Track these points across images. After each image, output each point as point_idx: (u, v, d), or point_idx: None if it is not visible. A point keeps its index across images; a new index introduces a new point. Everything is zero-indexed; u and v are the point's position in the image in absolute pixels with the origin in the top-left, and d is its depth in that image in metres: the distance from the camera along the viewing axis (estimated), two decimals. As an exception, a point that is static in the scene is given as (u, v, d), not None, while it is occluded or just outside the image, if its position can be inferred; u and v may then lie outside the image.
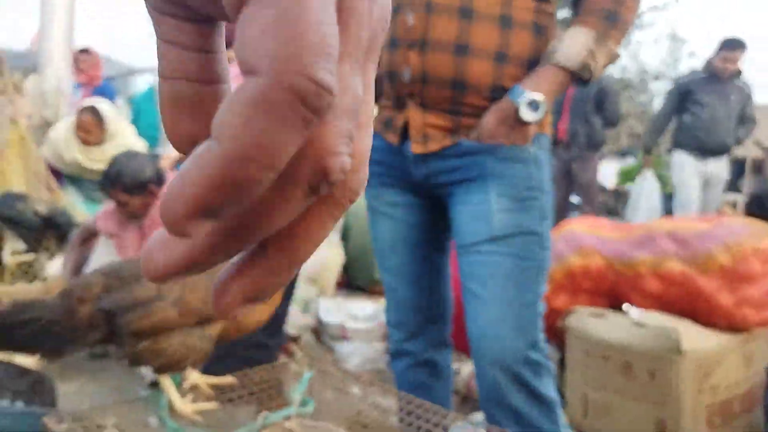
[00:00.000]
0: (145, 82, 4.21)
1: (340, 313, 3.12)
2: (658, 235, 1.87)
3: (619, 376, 1.73)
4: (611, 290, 1.98)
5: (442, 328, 1.40)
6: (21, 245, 2.63)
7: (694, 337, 1.64)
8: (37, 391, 1.53)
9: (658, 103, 11.44)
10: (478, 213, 1.18)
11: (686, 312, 1.78)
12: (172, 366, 0.89)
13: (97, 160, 3.30)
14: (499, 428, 1.11)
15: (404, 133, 1.24)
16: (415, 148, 1.21)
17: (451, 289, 1.41)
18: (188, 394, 1.02)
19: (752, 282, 1.66)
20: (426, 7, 1.15)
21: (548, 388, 1.19)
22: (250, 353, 1.49)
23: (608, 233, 2.06)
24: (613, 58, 1.15)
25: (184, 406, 0.95)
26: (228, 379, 1.07)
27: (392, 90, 1.26)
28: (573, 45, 1.11)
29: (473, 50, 1.14)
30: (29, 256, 2.59)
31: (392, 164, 1.29)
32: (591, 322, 1.86)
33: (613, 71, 10.25)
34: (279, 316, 1.66)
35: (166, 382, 0.95)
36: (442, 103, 1.19)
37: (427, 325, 1.38)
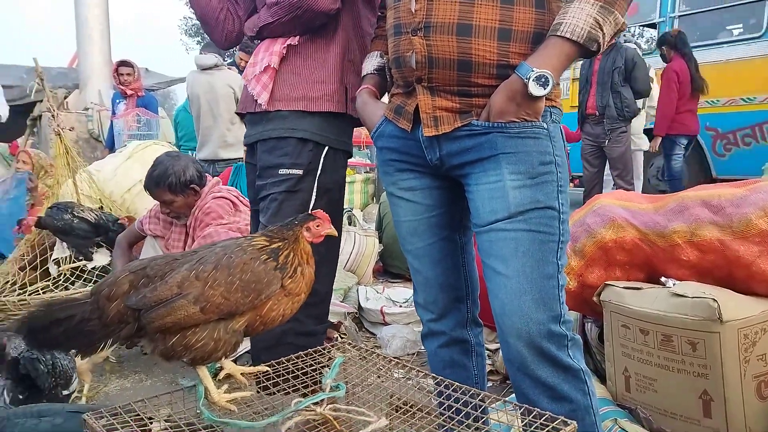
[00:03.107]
0: (184, 92, 4.35)
1: (378, 299, 3.17)
2: (692, 204, 1.82)
3: (660, 348, 1.70)
4: (646, 262, 1.94)
5: (470, 306, 1.42)
6: (63, 253, 2.77)
7: (735, 306, 1.59)
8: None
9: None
10: (493, 192, 1.18)
11: (725, 280, 1.73)
12: (204, 358, 0.94)
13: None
14: (531, 405, 1.12)
15: (416, 118, 1.26)
16: (426, 131, 1.23)
17: (476, 269, 1.42)
18: (225, 384, 1.07)
19: (792, 245, 1.60)
20: None
21: (575, 359, 1.19)
22: (300, 341, 1.53)
23: (640, 205, 2.01)
24: (620, 27, 1.13)
25: (219, 396, 1.00)
26: (262, 368, 1.12)
27: (400, 76, 1.28)
28: (578, 17, 1.09)
29: (476, 30, 1.15)
30: (79, 263, 2.73)
31: (407, 150, 1.31)
32: (627, 295, 1.83)
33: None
34: (324, 304, 1.71)
35: (202, 372, 1.00)
36: (449, 85, 1.20)
37: (454, 304, 1.40)
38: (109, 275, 0.97)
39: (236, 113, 1.70)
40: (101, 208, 3.08)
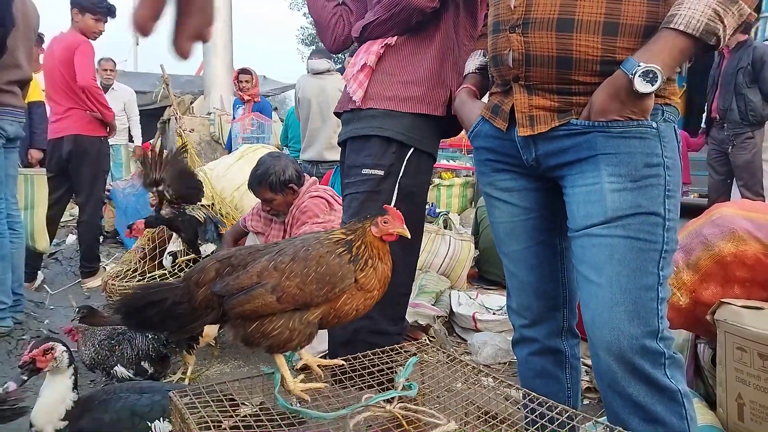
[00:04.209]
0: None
1: (471, 305, 3.11)
2: (830, 215, 1.60)
3: (782, 376, 1.51)
4: (772, 280, 1.74)
5: (566, 315, 1.35)
6: (178, 247, 3.00)
7: None
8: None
9: None
10: (589, 195, 1.11)
11: None
12: (279, 346, 0.97)
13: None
14: (621, 425, 1.03)
15: (512, 117, 1.22)
16: (521, 131, 1.18)
17: None
18: (301, 374, 1.10)
19: None
20: None
21: (673, 379, 1.08)
22: (373, 339, 1.55)
23: (766, 216, 1.80)
24: (745, 19, 1.01)
25: (295, 385, 1.02)
26: (338, 362, 1.13)
27: (498, 75, 1.25)
28: (694, 7, 0.99)
29: (579, 24, 1.08)
30: (192, 256, 2.94)
31: (503, 150, 1.27)
32: (746, 315, 1.65)
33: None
34: (400, 305, 1.71)
35: (279, 360, 1.04)
36: (548, 83, 1.14)
37: (549, 312, 1.33)
38: (199, 263, 1.03)
39: (334, 113, 1.75)
40: (212, 204, 3.30)
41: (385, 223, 0.97)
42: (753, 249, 1.75)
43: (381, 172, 1.58)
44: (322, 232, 1.01)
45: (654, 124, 1.09)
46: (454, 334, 3.02)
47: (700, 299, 1.84)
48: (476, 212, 4.04)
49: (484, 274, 3.94)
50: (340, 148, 1.77)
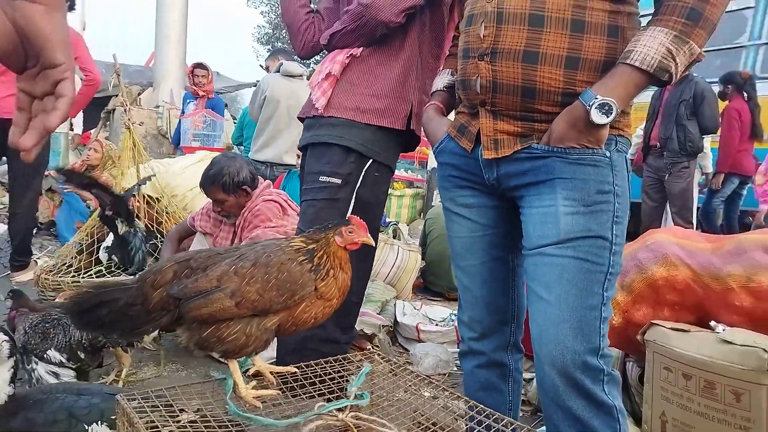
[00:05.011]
0: (249, 95, 4.52)
1: (415, 316, 3.16)
2: (751, 247, 1.73)
3: (702, 395, 1.63)
4: (697, 305, 1.86)
5: (514, 330, 1.40)
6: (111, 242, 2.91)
7: (789, 359, 1.50)
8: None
9: None
10: (545, 216, 1.17)
11: (781, 331, 1.64)
12: (235, 352, 0.97)
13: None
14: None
15: (477, 138, 1.27)
16: (486, 153, 1.24)
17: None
18: (253, 381, 1.10)
19: None
20: (497, 17, 1.17)
21: (610, 396, 1.15)
22: (322, 347, 1.56)
23: (697, 244, 1.93)
24: (695, 58, 1.10)
25: (247, 391, 1.02)
26: (290, 369, 1.14)
27: (466, 98, 1.30)
28: (650, 45, 1.06)
29: (543, 57, 1.14)
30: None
31: (466, 167, 1.32)
32: (674, 336, 1.76)
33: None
34: (351, 314, 1.72)
35: (233, 366, 1.03)
36: (512, 110, 1.20)
37: (498, 326, 1.39)
38: (155, 264, 1.01)
39: (298, 117, 1.76)
40: (158, 199, 3.22)
41: (350, 233, 0.99)
42: (683, 274, 1.87)
43: (338, 181, 1.59)
44: (283, 240, 1.01)
45: (607, 154, 1.16)
46: (397, 344, 3.06)
47: (632, 320, 1.95)
48: (425, 224, 4.11)
49: (429, 286, 4.00)
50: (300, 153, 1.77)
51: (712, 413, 1.59)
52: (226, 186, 2.44)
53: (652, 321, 1.87)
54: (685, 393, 1.68)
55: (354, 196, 1.60)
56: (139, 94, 8.52)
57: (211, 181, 2.45)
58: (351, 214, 1.60)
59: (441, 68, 1.54)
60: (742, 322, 1.72)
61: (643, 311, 1.95)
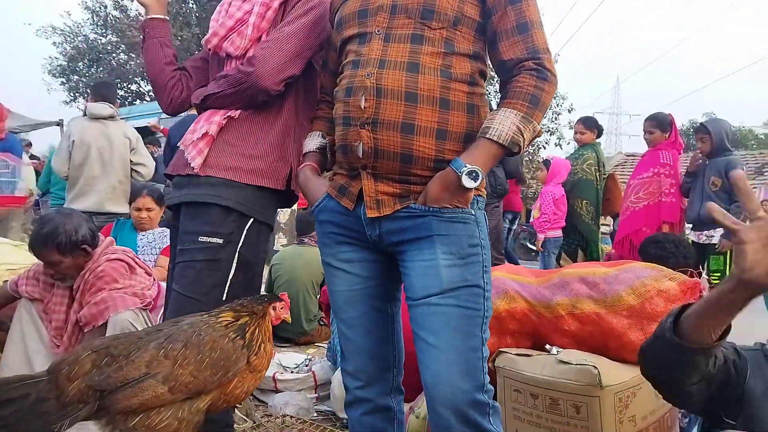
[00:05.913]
0: (50, 135, 4.04)
1: (270, 365, 3.10)
2: (572, 279, 2.09)
3: (548, 411, 1.89)
4: (533, 331, 2.17)
5: (395, 374, 1.51)
6: None
7: (611, 372, 1.84)
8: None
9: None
10: (427, 269, 1.31)
11: (600, 349, 1.99)
12: (163, 439, 0.91)
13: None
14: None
15: (358, 198, 1.37)
16: (369, 212, 1.35)
17: (403, 339, 1.52)
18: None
19: (657, 319, 1.89)
20: (377, 92, 1.32)
21: (495, 425, 1.32)
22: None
23: (527, 279, 2.26)
24: (536, 134, 1.35)
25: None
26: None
27: (346, 161, 1.40)
28: (504, 123, 1.29)
29: (419, 129, 1.31)
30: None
31: (347, 225, 1.41)
32: (520, 361, 2.02)
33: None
34: None
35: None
36: (392, 173, 1.34)
37: (382, 373, 1.48)
38: (68, 353, 0.91)
39: (165, 174, 1.69)
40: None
41: (281, 309, 1.01)
42: (521, 306, 2.17)
43: (220, 241, 1.57)
44: (209, 315, 0.99)
45: (473, 212, 1.35)
46: (252, 397, 2.96)
47: (482, 349, 2.19)
48: (270, 270, 4.07)
49: (278, 332, 3.95)
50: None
51: (558, 426, 1.86)
52: (62, 246, 2.16)
53: (500, 348, 2.12)
54: (534, 411, 1.94)
55: (236, 256, 1.59)
56: None
57: (43, 242, 2.15)
58: (233, 274, 1.58)
59: (311, 131, 1.63)
60: (570, 344, 2.05)
61: (490, 341, 2.20)
